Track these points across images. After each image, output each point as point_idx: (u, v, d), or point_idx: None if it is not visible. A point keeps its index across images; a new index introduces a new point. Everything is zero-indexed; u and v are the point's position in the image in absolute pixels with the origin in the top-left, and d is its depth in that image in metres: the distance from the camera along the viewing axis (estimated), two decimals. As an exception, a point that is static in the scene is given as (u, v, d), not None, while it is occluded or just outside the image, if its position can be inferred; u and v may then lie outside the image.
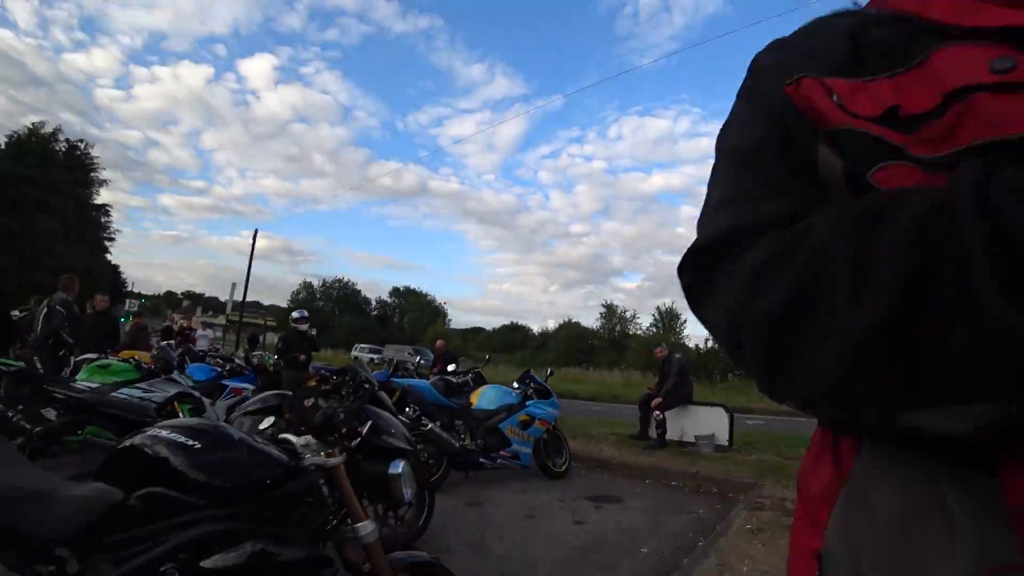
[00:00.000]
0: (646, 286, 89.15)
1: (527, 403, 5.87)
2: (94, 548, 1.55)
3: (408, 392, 5.65)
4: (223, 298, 26.91)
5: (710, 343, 30.41)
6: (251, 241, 26.44)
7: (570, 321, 47.12)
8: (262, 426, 2.00)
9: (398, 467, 2.02)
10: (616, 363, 32.01)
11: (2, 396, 5.42)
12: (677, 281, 0.53)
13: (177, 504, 1.56)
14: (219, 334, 22.75)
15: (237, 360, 8.50)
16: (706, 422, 7.22)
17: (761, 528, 3.93)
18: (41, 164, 26.69)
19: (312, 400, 2.03)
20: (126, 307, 18.22)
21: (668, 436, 7.10)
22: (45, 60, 69.71)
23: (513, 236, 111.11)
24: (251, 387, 6.84)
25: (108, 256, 30.91)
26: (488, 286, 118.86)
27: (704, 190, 0.57)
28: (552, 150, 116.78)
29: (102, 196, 30.47)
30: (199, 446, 1.64)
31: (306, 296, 56.15)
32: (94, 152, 30.39)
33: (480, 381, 7.44)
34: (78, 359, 6.45)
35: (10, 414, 5.13)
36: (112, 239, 31.08)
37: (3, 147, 26.81)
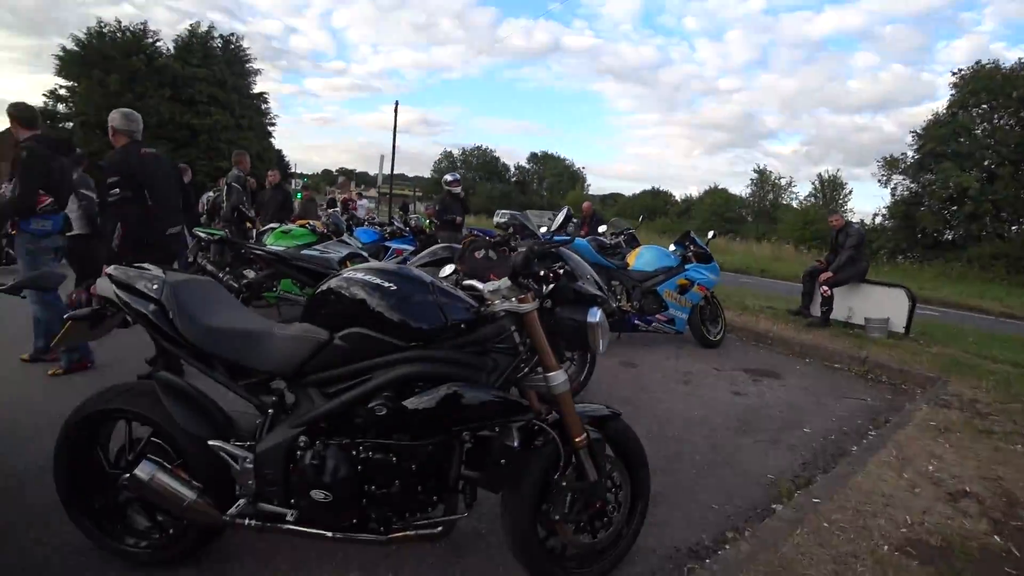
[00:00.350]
0: (803, 151, 79.48)
1: (686, 267, 5.62)
2: (306, 383, 1.73)
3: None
4: (372, 172, 28.47)
5: (878, 219, 26.76)
6: (393, 115, 27.24)
7: (716, 188, 43.79)
8: (442, 274, 1.98)
9: (596, 315, 1.85)
10: (765, 235, 29.70)
11: (213, 260, 6.39)
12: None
13: (378, 344, 1.65)
14: (373, 204, 24.53)
15: (397, 223, 9.08)
16: (879, 304, 6.46)
17: (949, 428, 3.53)
18: (204, 62, 29.11)
19: (483, 252, 1.95)
20: (292, 186, 20.20)
21: (833, 315, 6.50)
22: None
23: (654, 94, 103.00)
24: (411, 248, 7.35)
25: (272, 141, 33.62)
26: (627, 150, 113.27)
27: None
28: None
29: (258, 85, 32.66)
30: (394, 288, 1.67)
31: (447, 165, 57.62)
32: (244, 44, 32.19)
33: (633, 243, 7.27)
34: (262, 230, 7.24)
35: (220, 275, 6.07)
36: (273, 124, 33.66)
37: (173, 51, 29.28)
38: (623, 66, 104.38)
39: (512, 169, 61.20)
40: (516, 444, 1.70)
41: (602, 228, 8.49)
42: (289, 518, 1.71)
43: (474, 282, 1.83)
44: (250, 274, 6.18)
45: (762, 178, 41.69)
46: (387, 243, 7.95)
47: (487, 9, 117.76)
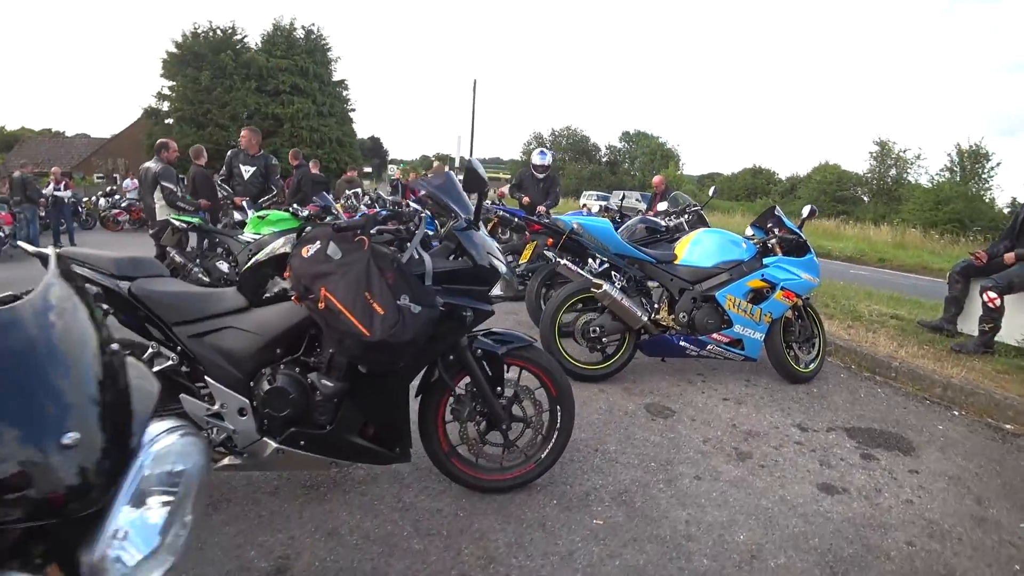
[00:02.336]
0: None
1: (764, 261, 3.80)
2: None
3: (579, 235, 3.75)
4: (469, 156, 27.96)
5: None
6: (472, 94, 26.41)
7: (827, 164, 39.42)
8: None
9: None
10: (885, 218, 25.82)
11: (184, 251, 5.71)
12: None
13: None
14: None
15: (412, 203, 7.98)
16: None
17: None
18: (287, 53, 30.15)
19: None
20: (388, 171, 20.12)
21: (999, 337, 4.34)
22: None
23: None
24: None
25: (354, 126, 33.96)
26: (728, 126, 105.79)
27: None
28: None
29: (338, 72, 33.05)
30: None
31: (536, 146, 56.45)
32: (325, 33, 33.07)
33: (700, 224, 5.61)
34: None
35: (189, 266, 5.40)
36: (354, 110, 34.12)
37: (260, 45, 30.46)
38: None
39: (603, 149, 58.94)
40: None
41: (662, 205, 6.76)
42: None
43: None
44: (223, 267, 5.42)
45: (883, 151, 36.55)
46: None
47: None
